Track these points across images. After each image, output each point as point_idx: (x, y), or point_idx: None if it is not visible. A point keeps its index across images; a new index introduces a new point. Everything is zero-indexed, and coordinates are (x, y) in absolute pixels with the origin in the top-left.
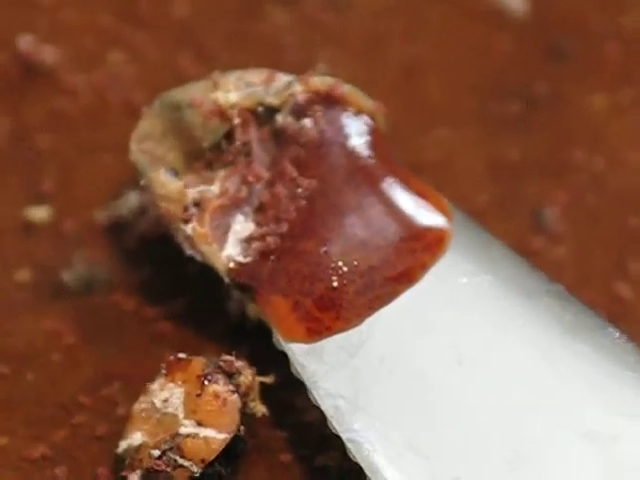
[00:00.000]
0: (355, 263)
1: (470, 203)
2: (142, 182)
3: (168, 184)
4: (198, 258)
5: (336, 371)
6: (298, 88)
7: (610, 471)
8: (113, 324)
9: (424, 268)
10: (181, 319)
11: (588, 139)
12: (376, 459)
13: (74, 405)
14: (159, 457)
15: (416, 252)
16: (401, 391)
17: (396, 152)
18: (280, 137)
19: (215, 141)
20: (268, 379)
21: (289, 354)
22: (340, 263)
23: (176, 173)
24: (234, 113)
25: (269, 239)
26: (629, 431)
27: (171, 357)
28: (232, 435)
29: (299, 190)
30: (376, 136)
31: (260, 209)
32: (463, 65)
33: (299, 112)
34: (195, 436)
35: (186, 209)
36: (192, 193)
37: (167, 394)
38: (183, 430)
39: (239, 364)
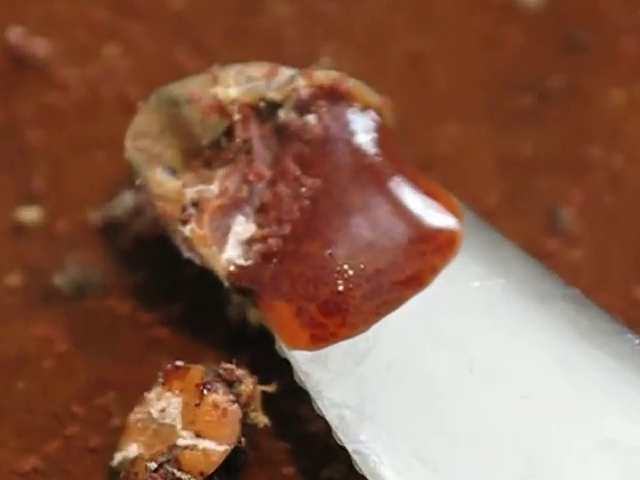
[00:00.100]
0: (361, 266)
1: (481, 202)
2: (138, 181)
3: (165, 183)
4: (197, 261)
5: (341, 379)
6: (301, 83)
7: None
8: (107, 330)
9: (434, 271)
10: (179, 325)
11: (605, 135)
12: (383, 471)
13: (67, 415)
14: (156, 470)
15: (425, 255)
16: (409, 400)
17: (404, 149)
18: (282, 134)
19: (214, 138)
20: (270, 388)
21: (292, 362)
22: (346, 266)
23: (173, 172)
24: (234, 109)
25: (271, 241)
26: None
27: (168, 365)
28: (232, 447)
29: (302, 189)
30: (383, 132)
31: (262, 209)
32: (473, 57)
33: (302, 108)
34: (194, 448)
35: (184, 209)
36: (190, 193)
37: (164, 404)
38: (181, 442)
39: (240, 372)
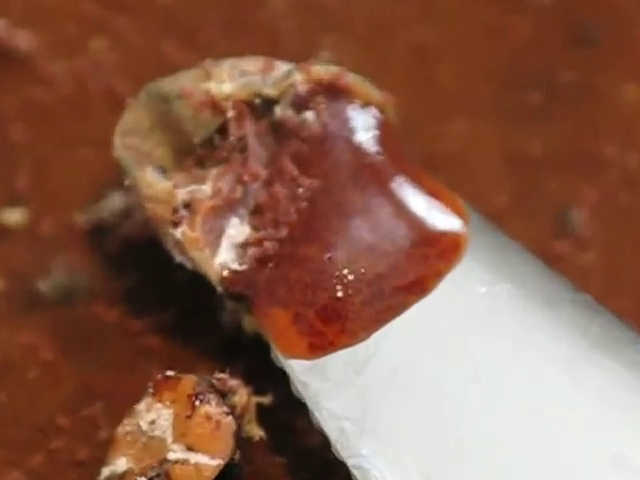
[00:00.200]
0: (362, 271)
1: (488, 203)
2: (127, 181)
3: (155, 183)
4: (188, 265)
5: (341, 390)
6: (298, 78)
7: None
8: (95, 338)
9: (438, 276)
10: (170, 332)
11: (618, 132)
12: None
13: (52, 427)
14: None
15: (429, 258)
16: (413, 412)
17: (407, 147)
18: (279, 132)
19: (207, 136)
20: (266, 399)
21: (289, 371)
22: (345, 271)
23: (164, 171)
24: (228, 105)
25: (267, 244)
26: None
27: (159, 375)
28: (226, 461)
29: (300, 190)
30: (385, 130)
31: (257, 211)
32: (479, 51)
33: (300, 104)
34: (185, 462)
35: (175, 211)
36: (182, 193)
37: (154, 415)
38: (172, 455)
39: (234, 382)
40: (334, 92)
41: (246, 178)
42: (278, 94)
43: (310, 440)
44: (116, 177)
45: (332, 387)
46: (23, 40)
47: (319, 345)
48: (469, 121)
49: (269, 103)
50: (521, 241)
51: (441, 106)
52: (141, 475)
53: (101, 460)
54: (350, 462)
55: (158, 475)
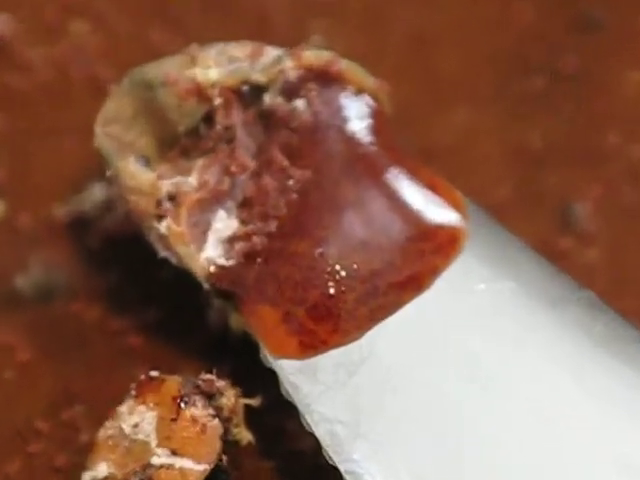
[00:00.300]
0: (355, 267)
1: (487, 197)
2: (108, 172)
3: (138, 175)
4: (173, 261)
5: (333, 392)
6: (289, 64)
7: None
8: (74, 337)
9: (435, 273)
10: (153, 332)
11: (623, 122)
12: None
13: (30, 431)
14: None
15: (425, 254)
16: (408, 415)
17: (402, 137)
18: (268, 120)
19: (193, 125)
20: (254, 401)
21: (278, 372)
22: (337, 267)
23: (148, 162)
24: (215, 92)
25: (255, 239)
26: None
27: (142, 376)
28: (212, 466)
29: (290, 182)
30: (379, 119)
31: (245, 204)
32: (479, 37)
33: (290, 91)
34: (170, 467)
35: (159, 204)
36: (166, 185)
37: (137, 418)
38: (156, 460)
39: (220, 384)
40: (326, 79)
41: (233, 169)
42: (267, 81)
43: (301, 444)
44: (97, 168)
45: (323, 389)
46: (1, 24)
47: (310, 345)
48: (468, 111)
49: (258, 90)
50: (522, 237)
51: (438, 94)
52: None
53: (81, 465)
54: (342, 467)
55: None
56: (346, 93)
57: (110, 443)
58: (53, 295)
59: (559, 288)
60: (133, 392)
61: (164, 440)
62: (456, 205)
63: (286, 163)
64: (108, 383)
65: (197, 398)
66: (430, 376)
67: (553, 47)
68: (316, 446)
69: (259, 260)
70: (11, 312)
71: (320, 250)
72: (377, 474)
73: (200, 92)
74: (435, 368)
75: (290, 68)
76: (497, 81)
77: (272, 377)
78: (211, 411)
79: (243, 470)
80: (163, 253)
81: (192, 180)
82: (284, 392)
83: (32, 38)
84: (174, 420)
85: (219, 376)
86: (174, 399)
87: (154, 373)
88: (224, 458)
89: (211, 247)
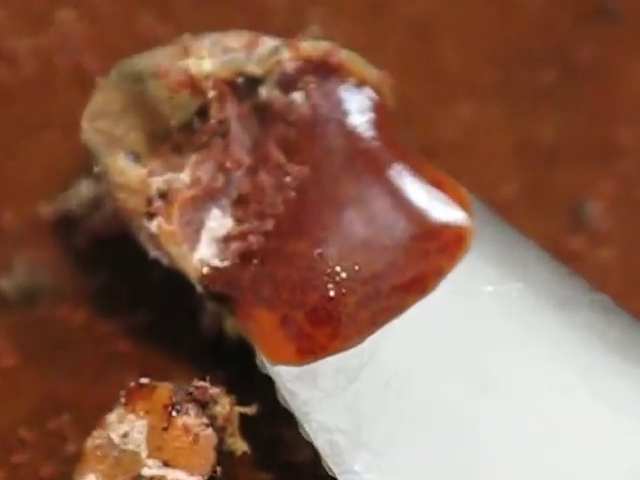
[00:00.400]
0: (356, 268)
1: (495, 194)
2: (96, 168)
3: (128, 171)
4: (164, 262)
5: (333, 399)
6: (286, 55)
7: None
8: (61, 342)
9: (439, 274)
10: (143, 336)
11: (639, 117)
12: None
13: (14, 440)
14: None
15: (430, 254)
16: (411, 424)
17: (405, 132)
18: (264, 114)
19: (185, 119)
20: (250, 409)
21: (275, 379)
22: (337, 268)
23: (138, 158)
24: (208, 85)
25: (251, 238)
26: None
27: (132, 383)
28: (206, 478)
29: (287, 179)
30: (381, 113)
31: (240, 202)
32: (484, 26)
33: (287, 84)
34: (161, 479)
35: (150, 202)
36: (157, 182)
37: (127, 428)
38: (146, 471)
39: (214, 391)
40: (325, 71)
41: (228, 165)
42: (263, 73)
43: (299, 454)
44: (84, 164)
45: (323, 396)
46: None
47: (309, 350)
48: (474, 104)
49: (253, 83)
50: (531, 236)
51: (443, 87)
52: None
53: (68, 476)
54: (343, 479)
55: None
56: (346, 85)
57: (98, 453)
58: (38, 297)
59: (570, 290)
60: (122, 400)
61: (155, 450)
62: (462, 203)
63: (283, 159)
64: (96, 390)
65: (190, 406)
66: (434, 382)
67: (563, 38)
68: (315, 456)
69: (255, 261)
70: None
71: (319, 250)
72: None
73: (193, 84)
74: (440, 374)
75: (287, 59)
76: (505, 73)
77: (269, 384)
78: (204, 420)
79: None
80: (154, 253)
81: (184, 177)
82: (281, 400)
83: (16, 28)
84: (165, 429)
85: (213, 383)
86: (165, 407)
87: (144, 380)
88: (218, 469)
89: (204, 247)
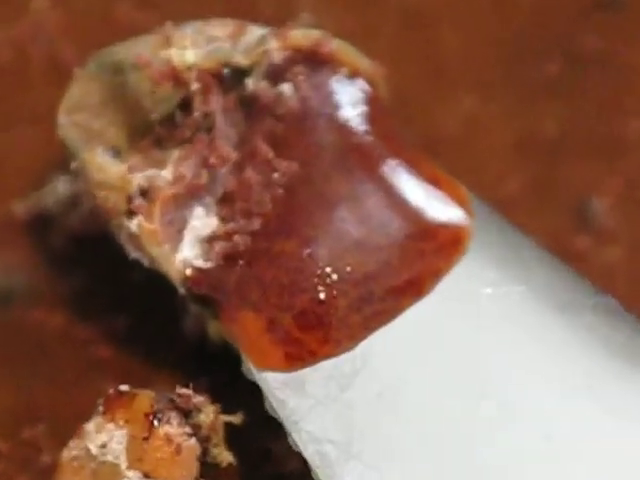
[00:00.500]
0: (348, 269)
1: (495, 192)
2: (73, 165)
3: (107, 167)
4: (145, 263)
5: (323, 408)
6: (274, 44)
7: None
8: (36, 348)
9: (436, 276)
10: (123, 341)
11: None
12: None
13: None
14: None
15: (426, 255)
16: (406, 434)
17: (400, 127)
18: (251, 107)
19: (167, 112)
20: (235, 418)
21: (263, 386)
22: (328, 269)
23: (117, 153)
24: (192, 76)
25: (237, 238)
26: None
27: (111, 390)
28: None
29: (276, 175)
30: (374, 106)
31: (225, 200)
32: (485, 14)
33: (275, 75)
34: None
35: (130, 200)
36: (138, 179)
37: (105, 437)
38: None
39: (198, 399)
40: (315, 61)
41: (213, 161)
42: (250, 63)
43: (287, 466)
44: (61, 160)
45: (313, 404)
46: None
47: (297, 356)
48: (474, 97)
49: (239, 74)
50: (533, 236)
51: (441, 79)
52: None
53: None
54: None
55: None
56: (338, 77)
57: (75, 465)
58: (12, 300)
59: (573, 293)
60: (101, 408)
61: (135, 462)
62: (460, 201)
63: (271, 154)
64: (73, 398)
65: (172, 415)
66: (431, 390)
67: (567, 28)
68: (304, 468)
69: (241, 262)
70: None
71: (309, 250)
72: None
73: (175, 76)
74: (436, 382)
75: (275, 49)
76: (506, 64)
77: (255, 392)
78: (187, 429)
79: None
80: (134, 254)
81: (166, 173)
82: (269, 408)
83: None
84: (146, 439)
85: (196, 390)
86: (146, 416)
87: (124, 387)
88: None
89: (187, 247)
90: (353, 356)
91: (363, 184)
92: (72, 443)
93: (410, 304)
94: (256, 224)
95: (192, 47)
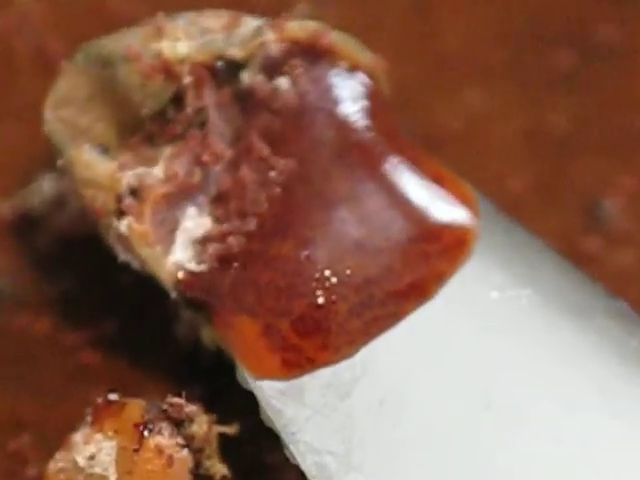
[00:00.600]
0: (347, 272)
1: (502, 191)
2: (60, 162)
3: (95, 165)
4: (135, 265)
5: (322, 418)
6: (270, 36)
7: None
8: (21, 355)
9: (440, 279)
10: (113, 348)
11: None
12: None
13: None
14: None
15: (429, 258)
16: (408, 446)
17: (402, 122)
18: (246, 102)
19: (158, 108)
20: (230, 429)
21: (258, 395)
22: (327, 272)
23: (106, 150)
24: (184, 70)
25: (231, 240)
26: None
27: (99, 399)
28: None
29: (272, 174)
30: (376, 101)
31: (219, 199)
32: (492, 2)
33: (272, 68)
34: None
35: (119, 199)
36: (128, 177)
37: (94, 449)
38: None
39: (191, 409)
40: (313, 54)
41: (206, 159)
42: (245, 56)
43: (284, 479)
44: (47, 157)
45: (311, 414)
46: None
47: (295, 363)
48: (480, 89)
49: (234, 67)
50: (542, 237)
51: (445, 71)
52: None
53: None
54: None
55: None
56: (337, 70)
57: (62, 477)
58: None
59: (584, 296)
60: (89, 418)
61: (125, 474)
62: (465, 200)
63: (267, 152)
64: (60, 408)
65: (163, 425)
66: (435, 398)
67: (581, 16)
68: None
69: (235, 264)
70: None
71: (307, 252)
72: None
73: (167, 69)
74: (441, 389)
75: (272, 41)
76: (513, 54)
77: (251, 401)
78: (179, 440)
79: None
80: (123, 256)
81: (158, 171)
82: (265, 418)
83: None
84: (136, 451)
85: (189, 399)
86: (136, 426)
87: (113, 396)
88: None
89: (180, 249)
90: (353, 363)
91: (364, 183)
92: (59, 455)
93: (413, 309)
94: (251, 225)
95: (184, 39)
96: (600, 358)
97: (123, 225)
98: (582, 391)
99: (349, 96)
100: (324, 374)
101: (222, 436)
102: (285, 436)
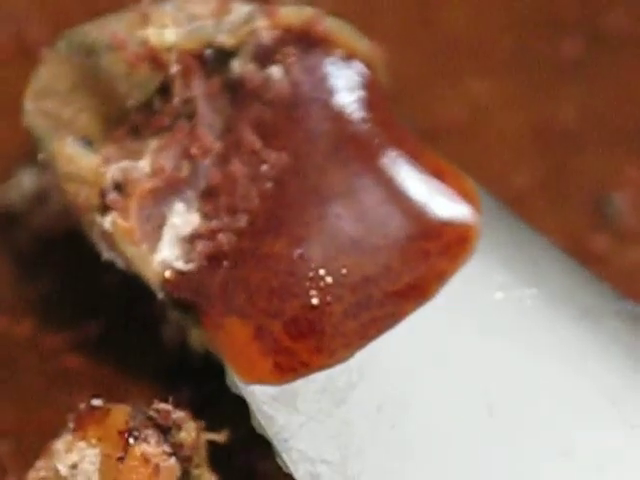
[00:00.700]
0: (343, 272)
1: (506, 186)
2: (41, 156)
3: (78, 158)
4: (120, 264)
5: (316, 425)
6: (262, 23)
7: None
8: (1, 358)
9: (441, 279)
10: (96, 351)
11: None
12: None
13: None
14: None
15: (430, 256)
16: (408, 454)
17: (402, 114)
18: (237, 92)
19: (145, 98)
20: (219, 436)
21: (250, 401)
22: (322, 272)
23: (89, 143)
24: (171, 58)
25: (221, 237)
26: None
27: (82, 405)
28: None
29: (264, 168)
30: (373, 91)
31: (209, 194)
32: None
33: (263, 57)
34: None
35: (103, 194)
36: (112, 171)
37: (76, 457)
38: None
39: (178, 415)
40: (307, 42)
41: (194, 152)
42: (236, 44)
43: None
44: (27, 150)
45: (304, 421)
46: None
47: (288, 366)
48: (484, 79)
49: (224, 55)
50: (548, 235)
51: (447, 60)
52: None
53: None
54: None
55: None
56: (332, 59)
57: None
58: None
59: (592, 297)
60: (71, 425)
61: None
62: (467, 196)
63: (259, 144)
64: (40, 414)
65: (149, 432)
66: (436, 404)
67: (590, 2)
68: None
69: (226, 263)
70: None
71: (300, 251)
72: None
73: (154, 57)
74: (442, 394)
75: (264, 28)
76: (519, 43)
77: (242, 407)
78: (166, 448)
79: None
80: (107, 254)
81: (144, 165)
82: (256, 425)
83: None
84: (121, 459)
85: (176, 405)
86: (121, 434)
87: (97, 401)
88: None
89: (167, 247)
90: (349, 367)
91: (360, 177)
92: (39, 463)
93: (412, 309)
94: (242, 221)
95: (172, 26)
96: (609, 362)
97: (107, 221)
98: (590, 398)
99: (345, 86)
100: (318, 378)
101: (211, 444)
102: (277, 444)
